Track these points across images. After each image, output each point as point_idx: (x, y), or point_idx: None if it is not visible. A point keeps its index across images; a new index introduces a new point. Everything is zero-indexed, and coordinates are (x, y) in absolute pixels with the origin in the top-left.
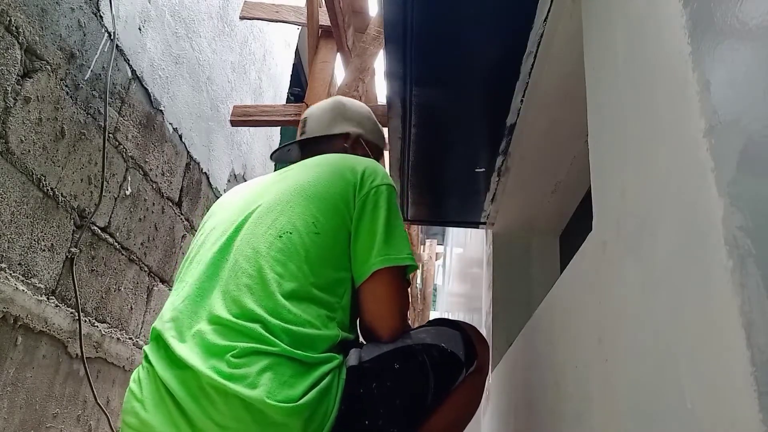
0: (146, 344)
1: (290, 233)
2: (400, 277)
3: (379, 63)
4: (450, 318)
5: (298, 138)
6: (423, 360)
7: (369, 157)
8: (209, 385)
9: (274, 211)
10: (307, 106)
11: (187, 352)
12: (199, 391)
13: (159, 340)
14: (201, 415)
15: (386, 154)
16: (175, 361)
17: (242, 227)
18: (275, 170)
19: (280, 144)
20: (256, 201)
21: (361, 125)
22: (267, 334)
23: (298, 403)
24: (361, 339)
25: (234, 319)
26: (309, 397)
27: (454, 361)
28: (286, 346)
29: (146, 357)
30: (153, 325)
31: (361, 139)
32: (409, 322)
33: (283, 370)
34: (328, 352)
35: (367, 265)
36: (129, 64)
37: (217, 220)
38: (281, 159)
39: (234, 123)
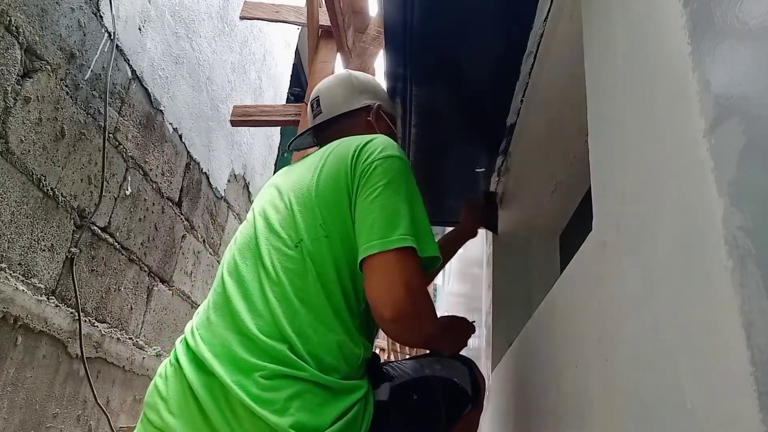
0: (180, 337)
1: (302, 241)
2: (400, 258)
3: (379, 63)
4: (457, 353)
5: (312, 119)
6: (437, 393)
7: (391, 128)
8: (237, 401)
9: (287, 216)
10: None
11: (215, 360)
12: (225, 403)
13: (190, 340)
14: (225, 427)
15: None
16: (203, 366)
17: (263, 233)
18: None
19: (280, 143)
20: (273, 203)
21: (377, 96)
22: (295, 358)
23: None
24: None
25: (261, 336)
26: (336, 428)
27: (463, 396)
28: (314, 371)
29: (175, 354)
30: (188, 324)
31: (382, 111)
32: None
33: (311, 398)
34: (353, 377)
35: (360, 251)
36: (129, 64)
37: (249, 217)
38: (301, 147)
39: (234, 123)
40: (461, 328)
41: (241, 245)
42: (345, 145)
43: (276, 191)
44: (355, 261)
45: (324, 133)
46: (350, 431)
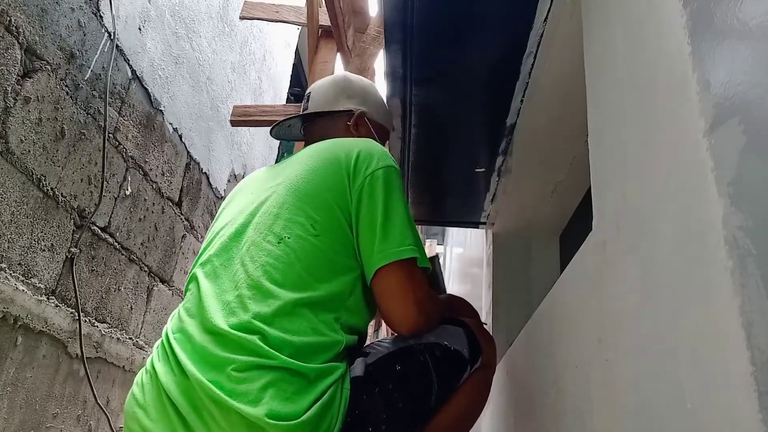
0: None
1: (288, 238)
2: (408, 268)
3: (379, 63)
4: (454, 316)
5: (301, 110)
6: (425, 360)
7: (373, 137)
8: (210, 399)
9: (271, 214)
10: None
11: (189, 360)
12: (200, 403)
13: (165, 345)
14: (202, 427)
15: None
16: (178, 369)
17: (244, 231)
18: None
19: (280, 143)
20: (254, 201)
21: (365, 103)
22: (266, 347)
23: (299, 420)
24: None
25: (232, 331)
26: (311, 413)
27: (458, 359)
28: (286, 358)
29: (151, 361)
30: (165, 327)
31: (365, 118)
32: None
33: (285, 386)
34: (332, 361)
35: (370, 264)
36: (129, 64)
37: (225, 219)
38: (281, 136)
39: (234, 123)
40: (460, 303)
41: (218, 246)
42: (335, 149)
43: (255, 191)
44: (347, 258)
45: (309, 127)
46: (327, 412)
